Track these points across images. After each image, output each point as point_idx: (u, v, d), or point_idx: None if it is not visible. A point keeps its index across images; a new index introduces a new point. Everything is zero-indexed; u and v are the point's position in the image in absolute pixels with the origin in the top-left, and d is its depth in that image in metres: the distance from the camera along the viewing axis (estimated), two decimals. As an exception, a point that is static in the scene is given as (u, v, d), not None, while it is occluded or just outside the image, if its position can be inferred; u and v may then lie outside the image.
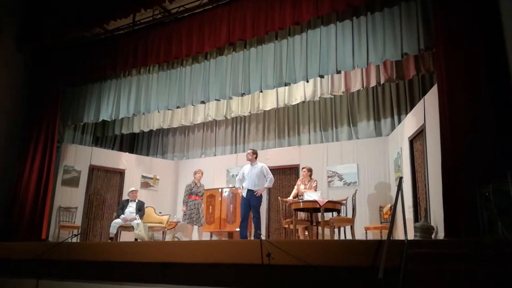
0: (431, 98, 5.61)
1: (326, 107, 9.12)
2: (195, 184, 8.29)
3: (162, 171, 10.28)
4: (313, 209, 6.79)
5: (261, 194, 6.98)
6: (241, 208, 7.05)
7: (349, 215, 7.02)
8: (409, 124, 6.84)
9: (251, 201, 6.90)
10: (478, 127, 4.59)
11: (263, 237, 5.71)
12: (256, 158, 7.23)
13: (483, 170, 4.35)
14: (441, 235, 4.86)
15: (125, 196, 8.94)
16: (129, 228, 7.88)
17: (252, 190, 6.92)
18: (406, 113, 7.65)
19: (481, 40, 4.81)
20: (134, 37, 8.05)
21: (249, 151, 7.31)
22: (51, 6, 8.48)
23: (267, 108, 8.65)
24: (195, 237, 8.41)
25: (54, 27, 8.28)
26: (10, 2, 8.68)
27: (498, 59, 4.65)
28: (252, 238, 7.04)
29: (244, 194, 6.98)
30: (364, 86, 7.19)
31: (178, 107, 7.95)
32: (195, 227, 8.34)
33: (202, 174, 8.45)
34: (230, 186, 9.25)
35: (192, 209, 8.03)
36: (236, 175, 7.70)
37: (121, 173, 9.73)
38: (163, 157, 10.91)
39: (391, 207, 7.17)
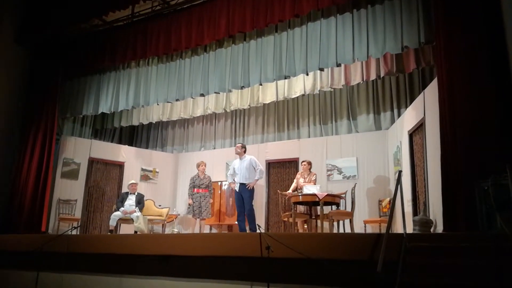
0: (431, 91, 5.60)
1: (326, 101, 9.09)
2: (198, 176, 8.32)
3: (162, 164, 10.27)
4: (312, 202, 6.80)
5: (253, 187, 7.03)
6: (236, 202, 7.15)
7: (348, 209, 7.03)
8: (409, 117, 6.83)
9: (243, 194, 6.96)
10: (478, 121, 4.59)
11: (262, 230, 5.72)
12: (245, 152, 7.28)
13: (482, 164, 4.35)
14: (439, 228, 4.87)
15: (124, 189, 8.95)
16: (129, 220, 7.89)
17: (244, 184, 6.99)
18: (406, 107, 7.64)
19: (481, 34, 4.79)
20: (133, 29, 8.00)
21: (237, 145, 7.40)
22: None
23: (267, 101, 8.62)
24: (195, 230, 8.43)
25: (53, 19, 8.23)
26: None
27: (499, 53, 4.63)
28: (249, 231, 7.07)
29: (237, 188, 7.05)
30: (364, 79, 7.17)
31: (177, 100, 7.92)
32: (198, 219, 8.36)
33: (205, 165, 8.46)
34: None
35: (194, 202, 8.08)
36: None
37: (120, 166, 9.73)
38: (162, 150, 10.90)
39: (390, 200, 7.18)
